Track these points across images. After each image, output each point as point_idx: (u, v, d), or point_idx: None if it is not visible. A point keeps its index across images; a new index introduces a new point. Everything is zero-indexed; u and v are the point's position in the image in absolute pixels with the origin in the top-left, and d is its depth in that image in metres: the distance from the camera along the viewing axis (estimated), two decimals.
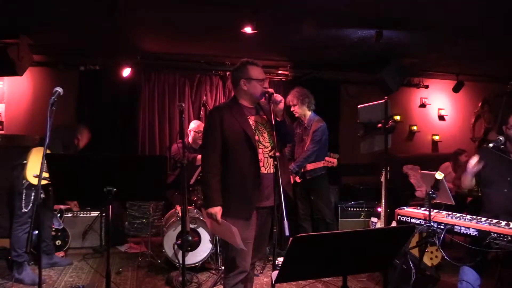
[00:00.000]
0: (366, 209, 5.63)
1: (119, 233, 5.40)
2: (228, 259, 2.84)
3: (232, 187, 2.75)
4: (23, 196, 3.95)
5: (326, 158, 4.57)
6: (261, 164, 2.77)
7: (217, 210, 2.71)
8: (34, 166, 3.91)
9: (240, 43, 5.02)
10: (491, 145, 3.04)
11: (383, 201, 4.12)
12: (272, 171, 2.75)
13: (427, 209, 2.99)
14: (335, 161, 4.50)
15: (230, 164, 2.77)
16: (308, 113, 4.77)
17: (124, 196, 2.89)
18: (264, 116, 2.86)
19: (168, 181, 4.61)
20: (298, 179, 4.71)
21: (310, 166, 4.64)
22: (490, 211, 3.13)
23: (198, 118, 5.94)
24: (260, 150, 2.78)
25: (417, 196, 5.95)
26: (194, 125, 4.98)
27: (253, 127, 2.81)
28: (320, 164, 4.59)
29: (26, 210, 3.94)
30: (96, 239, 5.20)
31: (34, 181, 3.90)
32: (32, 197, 3.93)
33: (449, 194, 3.45)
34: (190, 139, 4.95)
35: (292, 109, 4.75)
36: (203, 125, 5.06)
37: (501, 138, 3.05)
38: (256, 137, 2.78)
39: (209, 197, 2.76)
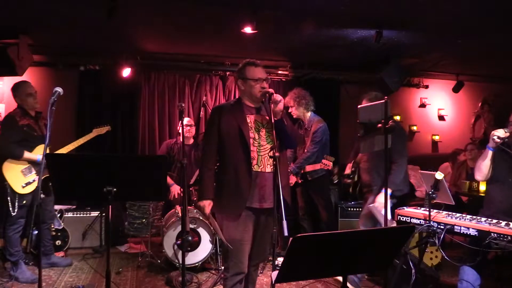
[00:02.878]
0: None
1: (119, 233, 5.40)
2: (226, 261, 2.89)
3: (225, 182, 2.81)
4: (9, 203, 3.92)
5: (323, 161, 4.55)
6: (254, 162, 2.77)
7: (205, 204, 2.79)
8: (16, 180, 3.91)
9: (240, 43, 5.02)
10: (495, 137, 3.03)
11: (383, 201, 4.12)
12: (267, 170, 2.77)
13: (427, 209, 2.98)
14: (331, 164, 4.49)
15: (225, 160, 2.84)
16: (308, 114, 4.75)
17: (124, 196, 2.90)
18: (267, 117, 2.87)
19: None
20: (299, 180, 4.71)
21: (309, 168, 4.63)
22: (490, 210, 3.13)
23: (198, 118, 5.95)
24: (254, 148, 2.79)
25: (417, 196, 5.95)
26: (185, 121, 5.00)
27: (250, 125, 2.83)
28: (317, 166, 4.58)
29: (14, 214, 3.93)
30: (96, 239, 5.21)
31: (25, 191, 3.94)
32: (17, 202, 3.92)
33: (449, 194, 3.45)
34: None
35: (289, 110, 4.74)
36: (192, 120, 5.15)
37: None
38: (252, 135, 2.80)
39: (200, 190, 2.88)
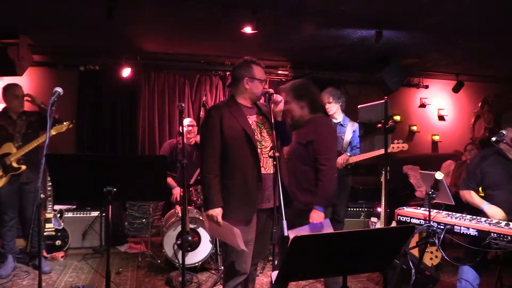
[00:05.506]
0: (366, 209, 5.62)
1: (119, 233, 5.39)
2: (228, 262, 2.82)
3: (233, 188, 2.72)
4: None
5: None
6: (260, 164, 2.75)
7: (218, 212, 2.67)
8: None
9: (240, 43, 5.02)
10: (494, 138, 3.04)
11: (383, 201, 4.12)
12: (271, 171, 2.74)
13: (427, 209, 2.98)
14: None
15: (230, 164, 2.73)
16: (341, 114, 4.71)
17: (124, 196, 2.89)
18: (261, 117, 2.86)
19: None
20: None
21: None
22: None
23: (198, 118, 5.94)
24: (259, 150, 2.75)
25: (417, 196, 5.96)
26: (187, 122, 5.02)
27: (252, 126, 2.80)
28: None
29: None
30: (96, 239, 5.21)
31: None
32: None
33: (449, 194, 3.45)
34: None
35: (327, 107, 4.54)
36: (194, 121, 5.13)
37: (504, 132, 3.04)
38: (256, 137, 2.77)
39: (209, 198, 2.70)
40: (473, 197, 3.32)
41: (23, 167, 4.15)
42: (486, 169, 3.24)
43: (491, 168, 3.22)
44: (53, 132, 4.13)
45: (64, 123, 4.23)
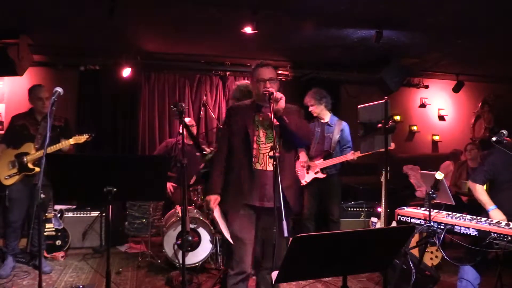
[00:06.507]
0: (366, 209, 5.62)
1: (119, 233, 5.40)
2: (228, 261, 2.96)
3: (230, 180, 2.89)
4: None
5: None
6: (255, 160, 2.81)
7: (212, 198, 2.86)
8: (2, 170, 4.17)
9: (240, 43, 5.03)
10: (494, 138, 3.03)
11: (383, 201, 4.12)
12: (269, 168, 2.80)
13: (427, 209, 2.98)
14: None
15: (232, 158, 2.91)
16: (328, 114, 4.79)
17: (124, 196, 2.90)
18: (269, 115, 2.89)
19: None
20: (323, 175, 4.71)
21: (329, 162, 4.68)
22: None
23: (198, 118, 5.95)
24: (256, 146, 2.83)
25: (417, 196, 5.95)
26: (186, 121, 5.02)
27: (256, 123, 2.88)
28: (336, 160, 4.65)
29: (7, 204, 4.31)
30: (96, 239, 5.21)
31: (6, 182, 4.16)
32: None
33: (449, 194, 3.45)
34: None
35: (309, 109, 4.73)
36: (193, 120, 5.18)
37: (504, 132, 3.03)
38: (256, 133, 2.85)
39: (208, 185, 2.97)
40: (481, 193, 3.22)
41: (37, 169, 4.13)
42: (499, 163, 3.20)
43: (502, 165, 3.19)
44: (72, 142, 4.17)
45: (84, 135, 4.27)
